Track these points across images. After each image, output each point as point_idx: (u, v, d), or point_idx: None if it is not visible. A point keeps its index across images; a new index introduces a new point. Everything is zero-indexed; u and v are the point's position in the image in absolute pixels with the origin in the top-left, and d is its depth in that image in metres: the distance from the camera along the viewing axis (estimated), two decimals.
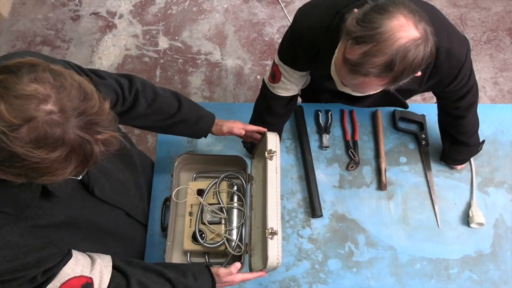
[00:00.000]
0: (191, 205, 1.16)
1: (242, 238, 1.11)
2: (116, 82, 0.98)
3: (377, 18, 0.78)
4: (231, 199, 1.16)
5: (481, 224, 1.21)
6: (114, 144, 0.64)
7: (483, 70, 2.29)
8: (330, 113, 1.36)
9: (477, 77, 1.09)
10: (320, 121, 1.35)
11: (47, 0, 2.51)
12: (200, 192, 1.16)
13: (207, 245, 1.10)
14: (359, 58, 0.79)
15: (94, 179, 0.85)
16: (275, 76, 1.15)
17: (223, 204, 1.14)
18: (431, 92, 1.14)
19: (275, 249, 0.94)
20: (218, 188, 1.16)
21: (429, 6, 0.98)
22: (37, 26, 2.44)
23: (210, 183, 1.17)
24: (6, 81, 0.55)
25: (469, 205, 1.25)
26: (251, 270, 1.05)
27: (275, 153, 1.05)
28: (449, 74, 1.00)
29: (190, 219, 1.14)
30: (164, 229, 1.18)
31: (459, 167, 1.29)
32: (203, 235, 1.11)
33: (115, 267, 0.85)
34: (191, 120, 1.11)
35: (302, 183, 1.28)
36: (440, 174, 1.30)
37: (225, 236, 1.10)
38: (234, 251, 1.09)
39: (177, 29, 2.43)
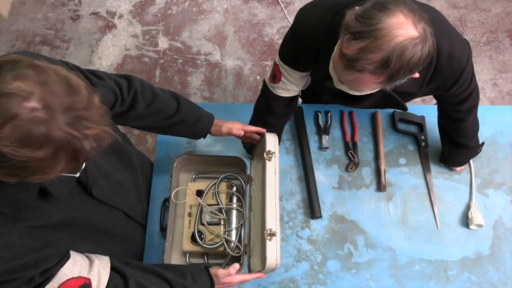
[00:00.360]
0: (190, 206, 1.16)
1: (241, 239, 1.11)
2: (114, 82, 0.97)
3: (376, 14, 0.77)
4: (230, 200, 1.16)
5: (480, 226, 1.21)
6: (105, 139, 0.63)
7: (482, 72, 2.29)
8: (329, 114, 1.36)
9: (476, 79, 1.08)
10: (320, 122, 1.35)
11: (47, 0, 2.51)
12: (199, 193, 1.16)
13: (206, 246, 1.10)
14: (355, 54, 0.78)
15: (92, 180, 0.85)
16: (275, 76, 1.15)
17: (222, 205, 1.14)
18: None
19: (273, 250, 0.94)
20: (217, 189, 1.16)
21: (431, 8, 0.98)
22: (37, 26, 2.44)
23: (209, 184, 1.17)
24: None
25: (468, 207, 1.25)
26: (250, 271, 1.05)
27: (273, 154, 1.05)
28: (450, 78, 1.00)
29: (189, 220, 1.14)
30: (163, 229, 1.18)
31: (458, 168, 1.29)
32: (202, 236, 1.11)
33: (113, 268, 0.84)
34: (190, 121, 1.10)
35: (301, 184, 1.28)
36: (439, 176, 1.30)
37: (224, 237, 1.10)
38: (233, 252, 1.09)
39: (177, 29, 2.43)
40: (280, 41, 1.09)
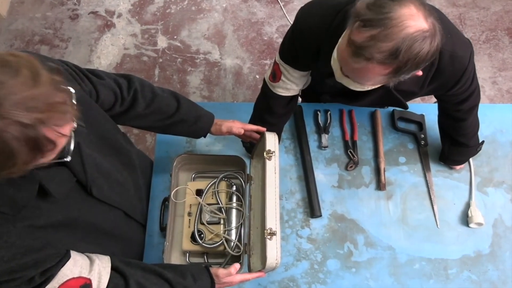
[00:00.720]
0: (190, 205, 1.16)
1: (241, 238, 1.11)
2: (114, 82, 0.97)
3: (388, 3, 0.77)
4: (230, 199, 1.16)
5: (480, 224, 1.21)
6: (66, 114, 0.59)
7: (482, 70, 2.29)
8: (329, 113, 1.36)
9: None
10: (319, 121, 1.35)
11: None
12: (199, 192, 1.16)
13: (206, 245, 1.10)
14: (365, 41, 0.77)
15: (92, 180, 0.85)
16: (275, 75, 1.15)
17: (222, 204, 1.14)
18: None
19: (273, 250, 0.94)
20: (217, 188, 1.16)
21: (433, 7, 0.97)
22: (36, 25, 2.43)
23: (209, 183, 1.17)
24: None
25: (468, 205, 1.25)
26: (250, 270, 1.05)
27: (273, 153, 1.05)
28: (452, 78, 1.00)
29: (189, 219, 1.14)
30: (163, 229, 1.18)
31: (458, 167, 1.29)
32: (202, 235, 1.11)
33: (114, 268, 0.84)
34: (190, 120, 1.10)
35: (301, 183, 1.28)
36: (439, 174, 1.30)
37: (224, 236, 1.10)
38: (233, 251, 1.09)
39: (176, 28, 2.42)
40: (279, 40, 1.09)
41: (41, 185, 0.71)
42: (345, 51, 0.83)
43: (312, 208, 1.23)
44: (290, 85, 1.16)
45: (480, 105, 1.17)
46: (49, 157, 0.62)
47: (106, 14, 2.47)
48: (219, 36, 2.40)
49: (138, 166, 1.14)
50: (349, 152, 1.31)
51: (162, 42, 2.38)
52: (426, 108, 1.37)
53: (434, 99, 1.21)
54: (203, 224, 1.12)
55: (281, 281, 1.17)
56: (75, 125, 0.64)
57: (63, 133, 0.61)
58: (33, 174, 0.68)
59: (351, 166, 1.29)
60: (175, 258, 1.16)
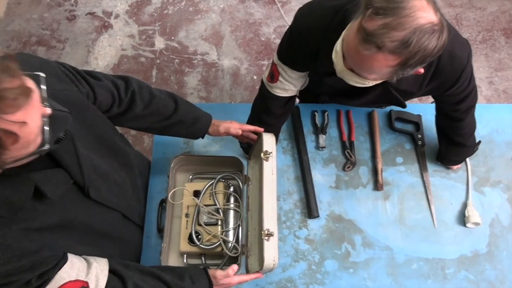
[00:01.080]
0: (188, 206, 1.15)
1: (238, 239, 1.11)
2: (112, 83, 0.97)
3: None
4: (228, 200, 1.16)
5: (477, 224, 1.22)
6: (17, 100, 0.54)
7: (478, 70, 2.30)
8: (326, 113, 1.36)
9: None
10: (317, 122, 1.35)
11: (43, 0, 2.50)
12: (197, 193, 1.16)
13: (203, 246, 1.10)
14: (377, 29, 0.76)
15: (89, 181, 0.84)
16: (273, 75, 1.15)
17: (219, 205, 1.14)
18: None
19: (271, 251, 0.94)
20: (214, 189, 1.16)
21: None
22: (33, 26, 2.43)
23: (207, 184, 1.17)
24: None
25: (465, 205, 1.25)
26: (248, 271, 1.04)
27: (271, 154, 1.05)
28: (450, 77, 1.00)
29: (187, 221, 1.14)
30: (160, 230, 1.18)
31: (455, 167, 1.30)
32: (200, 236, 1.11)
33: (111, 271, 0.84)
34: (188, 121, 1.10)
35: (298, 183, 1.28)
36: (436, 174, 1.30)
37: (221, 238, 1.10)
38: (230, 253, 1.09)
39: (173, 29, 2.42)
40: (276, 41, 1.09)
41: (36, 187, 0.71)
42: (354, 38, 0.81)
43: (309, 208, 1.23)
44: (288, 85, 1.16)
45: (477, 105, 1.17)
46: (21, 151, 0.58)
47: (103, 15, 2.47)
48: (216, 37, 2.40)
49: (136, 166, 1.14)
50: (346, 153, 1.31)
51: (159, 43, 2.38)
52: (423, 109, 1.37)
53: (431, 99, 1.21)
54: (200, 225, 1.12)
55: (278, 282, 1.17)
56: (48, 110, 0.60)
57: (16, 120, 0.54)
58: (29, 176, 0.68)
59: (349, 167, 1.29)
60: (173, 260, 1.15)
